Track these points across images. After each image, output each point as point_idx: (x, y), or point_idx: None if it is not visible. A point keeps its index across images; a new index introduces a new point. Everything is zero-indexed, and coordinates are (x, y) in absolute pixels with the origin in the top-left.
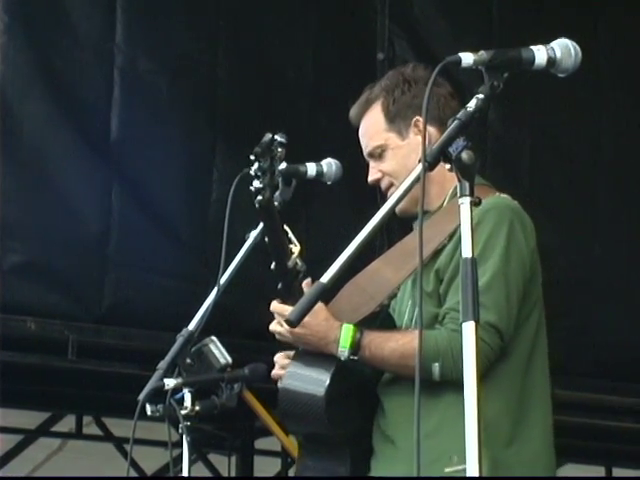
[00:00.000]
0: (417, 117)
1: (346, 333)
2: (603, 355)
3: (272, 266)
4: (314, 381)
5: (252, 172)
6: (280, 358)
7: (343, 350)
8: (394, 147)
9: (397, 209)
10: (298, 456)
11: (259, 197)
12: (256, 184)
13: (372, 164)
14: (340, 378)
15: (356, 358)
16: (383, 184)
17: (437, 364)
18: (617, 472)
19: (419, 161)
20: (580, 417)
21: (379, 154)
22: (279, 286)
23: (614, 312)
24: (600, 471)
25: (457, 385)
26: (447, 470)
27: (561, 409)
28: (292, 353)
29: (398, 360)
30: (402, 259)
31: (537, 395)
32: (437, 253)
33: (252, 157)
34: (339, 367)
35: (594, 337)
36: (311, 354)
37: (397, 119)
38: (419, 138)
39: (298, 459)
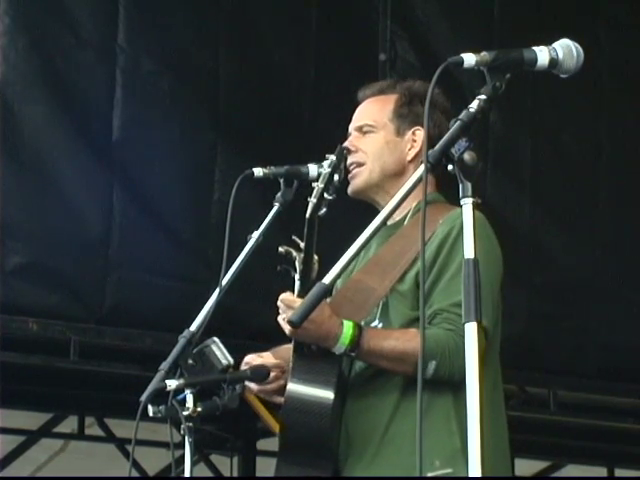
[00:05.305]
0: (418, 127)
1: (347, 330)
2: (604, 356)
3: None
4: (321, 386)
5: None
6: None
7: (342, 346)
8: (386, 135)
9: (356, 185)
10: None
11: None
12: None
13: (355, 135)
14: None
15: (353, 354)
16: (353, 158)
17: (434, 362)
18: (619, 473)
19: (421, 162)
20: (582, 418)
21: (367, 131)
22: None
23: (615, 313)
24: (602, 472)
25: (440, 387)
26: (430, 475)
27: (563, 410)
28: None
29: (397, 357)
30: (382, 269)
31: (501, 395)
32: (415, 260)
33: (328, 169)
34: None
35: (595, 338)
36: (308, 364)
37: (403, 119)
38: (409, 145)
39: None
